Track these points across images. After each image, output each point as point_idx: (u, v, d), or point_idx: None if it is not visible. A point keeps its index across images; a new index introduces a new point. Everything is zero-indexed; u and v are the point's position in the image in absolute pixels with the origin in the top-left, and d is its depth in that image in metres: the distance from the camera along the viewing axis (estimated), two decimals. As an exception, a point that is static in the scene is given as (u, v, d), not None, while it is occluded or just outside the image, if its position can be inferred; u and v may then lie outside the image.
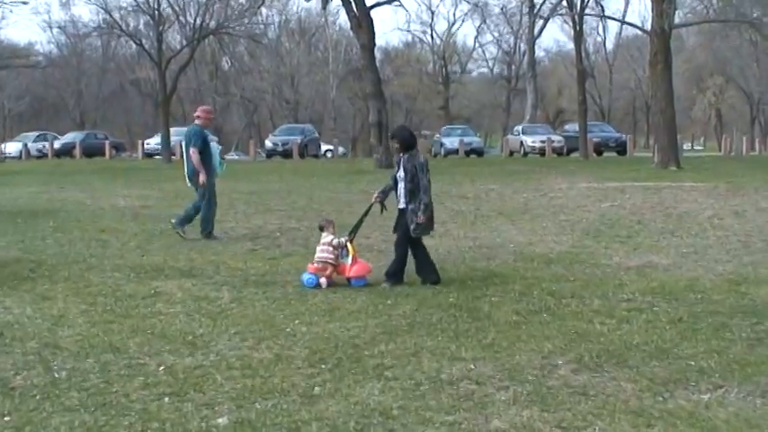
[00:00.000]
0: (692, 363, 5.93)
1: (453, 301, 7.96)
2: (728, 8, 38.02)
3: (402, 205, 8.77)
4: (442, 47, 77.26)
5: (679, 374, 5.67)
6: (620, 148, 42.60)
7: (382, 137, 30.01)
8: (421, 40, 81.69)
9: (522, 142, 42.41)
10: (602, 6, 51.21)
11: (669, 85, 27.34)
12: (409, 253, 8.86)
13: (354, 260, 8.94)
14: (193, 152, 12.01)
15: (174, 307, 7.80)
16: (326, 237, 9.11)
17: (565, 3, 42.84)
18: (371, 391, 5.34)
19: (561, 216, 14.95)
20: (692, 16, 46.10)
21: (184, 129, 51.35)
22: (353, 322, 7.16)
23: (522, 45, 74.13)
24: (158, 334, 6.79)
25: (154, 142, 45.00)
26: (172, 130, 41.48)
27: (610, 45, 77.12)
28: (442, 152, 44.53)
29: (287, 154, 42.86)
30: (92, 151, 45.81)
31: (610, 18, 58.78)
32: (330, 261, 8.93)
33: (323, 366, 5.86)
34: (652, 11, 27.69)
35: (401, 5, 53.69)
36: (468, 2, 68.50)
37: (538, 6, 47.41)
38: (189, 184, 12.47)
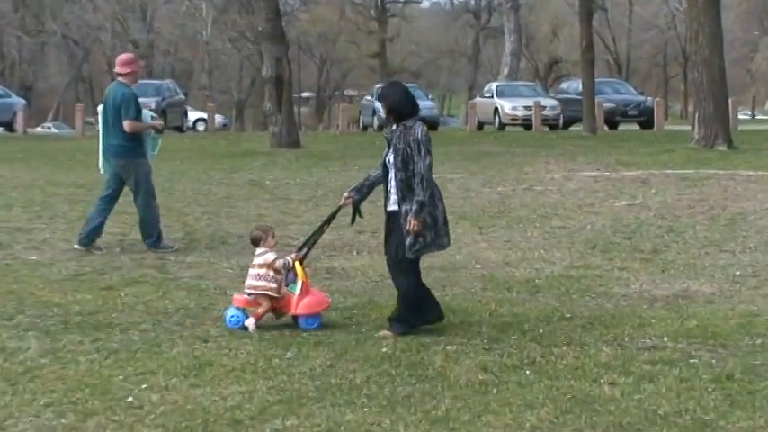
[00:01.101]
0: (747, 441, 6.04)
1: (388, 352, 7.96)
2: None
3: (392, 206, 8.67)
4: (376, -38, 77.55)
5: (727, 459, 5.76)
6: (644, 118, 43.13)
7: (283, 100, 29.92)
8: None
9: (496, 109, 42.69)
10: None
11: (717, 23, 27.76)
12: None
13: (306, 289, 8.93)
14: (129, 125, 12.68)
15: (-49, 365, 7.66)
16: (264, 254, 9.04)
17: None
18: (259, 491, 5.31)
19: (554, 221, 15.08)
20: None
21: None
22: (234, 386, 7.12)
23: (497, -39, 74.86)
24: (-76, 407, 6.65)
25: None
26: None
27: (629, -38, 78.35)
28: (375, 123, 44.59)
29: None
30: None
31: None
32: (270, 291, 8.89)
33: (184, 455, 5.82)
34: None
35: None
36: None
37: None
38: (102, 170, 13.06)
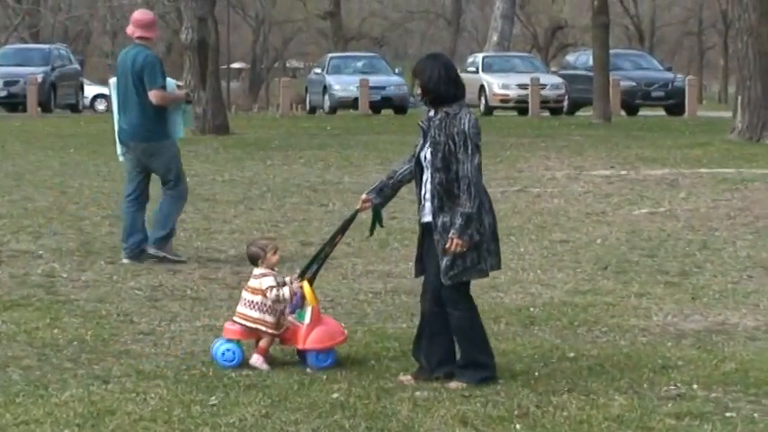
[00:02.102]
0: None
1: (340, 399, 7.96)
2: None
3: (427, 217, 8.65)
4: None
5: None
6: (673, 102, 43.32)
7: (207, 73, 29.86)
8: None
9: (482, 87, 42.75)
10: None
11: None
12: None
13: (316, 317, 8.93)
14: (157, 95, 12.78)
15: None
16: (262, 277, 9.02)
17: None
18: None
19: (555, 233, 15.13)
20: None
21: None
22: (142, 441, 7.13)
23: None
24: None
25: None
26: None
27: None
28: (327, 104, 44.56)
29: (14, 103, 42.24)
30: None
31: None
32: (265, 326, 8.89)
33: None
34: None
35: None
36: None
37: None
38: (121, 158, 13.34)
